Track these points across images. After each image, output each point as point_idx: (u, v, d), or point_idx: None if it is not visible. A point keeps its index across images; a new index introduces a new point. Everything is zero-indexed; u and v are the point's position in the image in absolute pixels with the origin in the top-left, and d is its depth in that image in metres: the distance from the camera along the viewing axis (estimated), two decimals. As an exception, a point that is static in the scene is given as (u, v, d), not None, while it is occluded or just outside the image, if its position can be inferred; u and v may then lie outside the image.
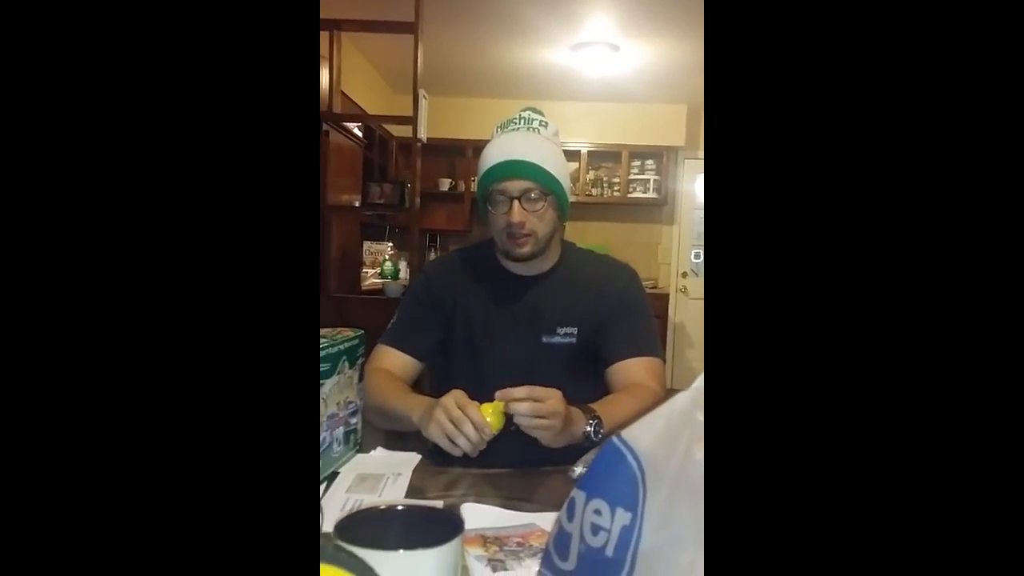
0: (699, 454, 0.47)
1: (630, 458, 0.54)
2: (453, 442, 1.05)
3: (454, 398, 1.08)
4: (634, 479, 0.53)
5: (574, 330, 1.35)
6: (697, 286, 6.05)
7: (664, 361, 1.40)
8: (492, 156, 1.32)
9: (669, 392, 0.62)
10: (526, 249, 1.33)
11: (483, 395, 1.34)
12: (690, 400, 0.52)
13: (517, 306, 1.38)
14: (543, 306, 1.37)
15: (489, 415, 1.05)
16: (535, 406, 1.05)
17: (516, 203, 1.29)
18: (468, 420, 1.05)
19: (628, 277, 1.43)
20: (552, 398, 1.07)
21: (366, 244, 4.45)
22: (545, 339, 1.35)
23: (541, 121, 1.36)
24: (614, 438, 0.56)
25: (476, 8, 3.76)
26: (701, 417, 0.50)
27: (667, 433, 0.52)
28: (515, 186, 1.29)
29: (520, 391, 1.05)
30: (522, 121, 1.35)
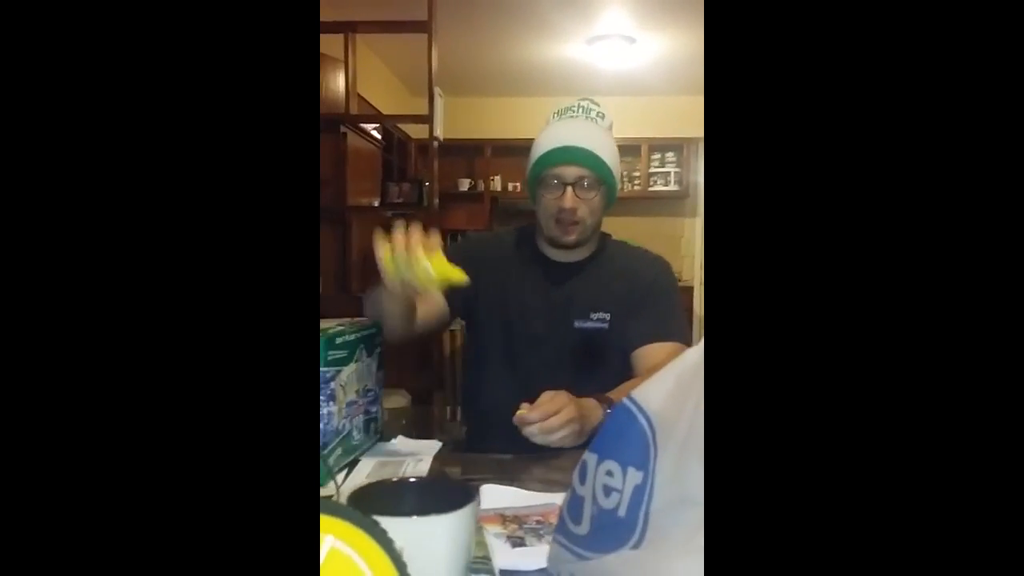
0: (708, 406, 0.47)
1: (641, 418, 0.53)
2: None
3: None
4: (645, 438, 0.52)
5: (607, 315, 1.36)
6: (722, 278, 5.99)
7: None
8: (550, 140, 1.33)
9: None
10: (573, 237, 1.34)
11: (517, 376, 1.37)
12: (700, 356, 0.51)
13: (552, 290, 1.39)
14: (577, 292, 1.38)
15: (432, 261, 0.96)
16: (544, 426, 1.03)
17: (570, 189, 1.30)
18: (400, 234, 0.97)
19: (661, 267, 1.44)
20: (562, 410, 1.05)
21: (388, 246, 4.46)
22: (578, 323, 1.36)
23: (599, 112, 1.37)
24: (624, 399, 0.55)
25: (490, 4, 3.76)
26: (711, 371, 0.49)
27: (677, 390, 0.51)
28: (571, 172, 1.30)
29: (533, 415, 1.04)
30: (580, 110, 1.36)
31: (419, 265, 0.96)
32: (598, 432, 0.57)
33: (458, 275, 0.98)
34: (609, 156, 1.33)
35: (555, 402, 1.06)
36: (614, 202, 1.40)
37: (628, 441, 0.53)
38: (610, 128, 1.38)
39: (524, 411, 1.05)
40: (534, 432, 1.04)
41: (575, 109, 1.36)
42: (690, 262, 6.05)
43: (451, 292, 1.35)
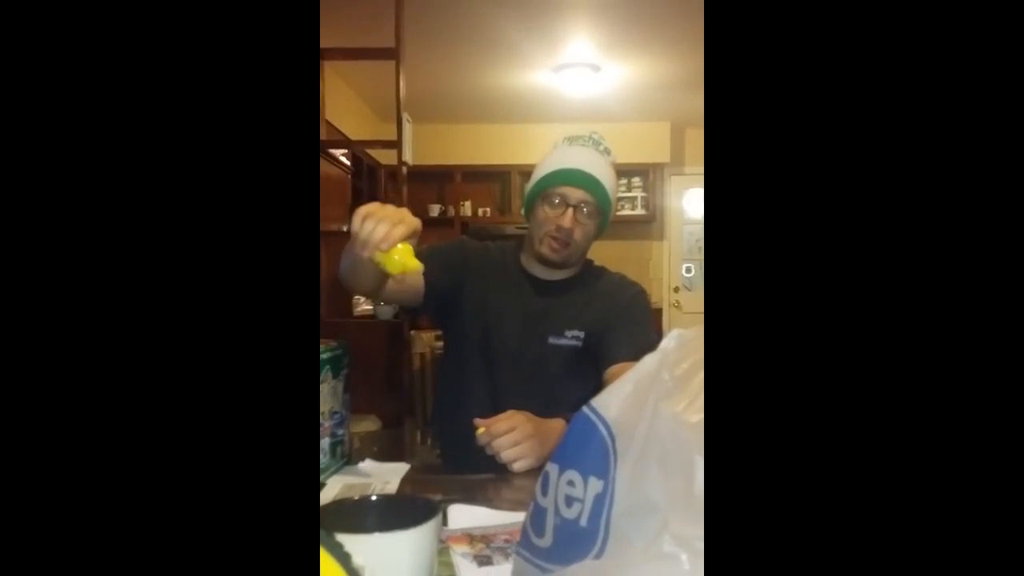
0: (665, 410, 0.47)
1: (600, 426, 0.53)
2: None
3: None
4: (605, 446, 0.52)
5: (581, 334, 1.40)
6: (689, 300, 6.08)
7: None
8: (561, 160, 1.38)
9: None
10: (562, 255, 1.40)
11: (491, 388, 1.41)
12: (657, 362, 0.51)
13: (530, 305, 1.44)
14: (554, 309, 1.43)
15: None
16: (496, 444, 1.07)
17: (571, 210, 1.35)
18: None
19: (637, 291, 1.49)
20: (516, 429, 1.08)
21: (357, 273, 4.43)
22: (552, 340, 1.40)
23: (605, 148, 1.42)
24: (584, 408, 0.55)
25: (458, 33, 3.80)
26: (667, 377, 0.49)
27: (635, 396, 0.51)
28: (576, 194, 1.36)
29: (482, 438, 1.08)
30: (591, 140, 1.41)
31: (388, 256, 0.98)
32: (560, 442, 0.57)
33: (414, 265, 1.00)
34: (611, 189, 1.39)
35: (509, 421, 1.08)
36: (604, 231, 1.45)
37: (589, 450, 0.53)
38: (613, 163, 1.43)
39: (481, 431, 1.08)
40: (492, 452, 1.08)
41: (585, 139, 1.41)
42: (658, 285, 6.10)
43: (431, 286, 1.37)
